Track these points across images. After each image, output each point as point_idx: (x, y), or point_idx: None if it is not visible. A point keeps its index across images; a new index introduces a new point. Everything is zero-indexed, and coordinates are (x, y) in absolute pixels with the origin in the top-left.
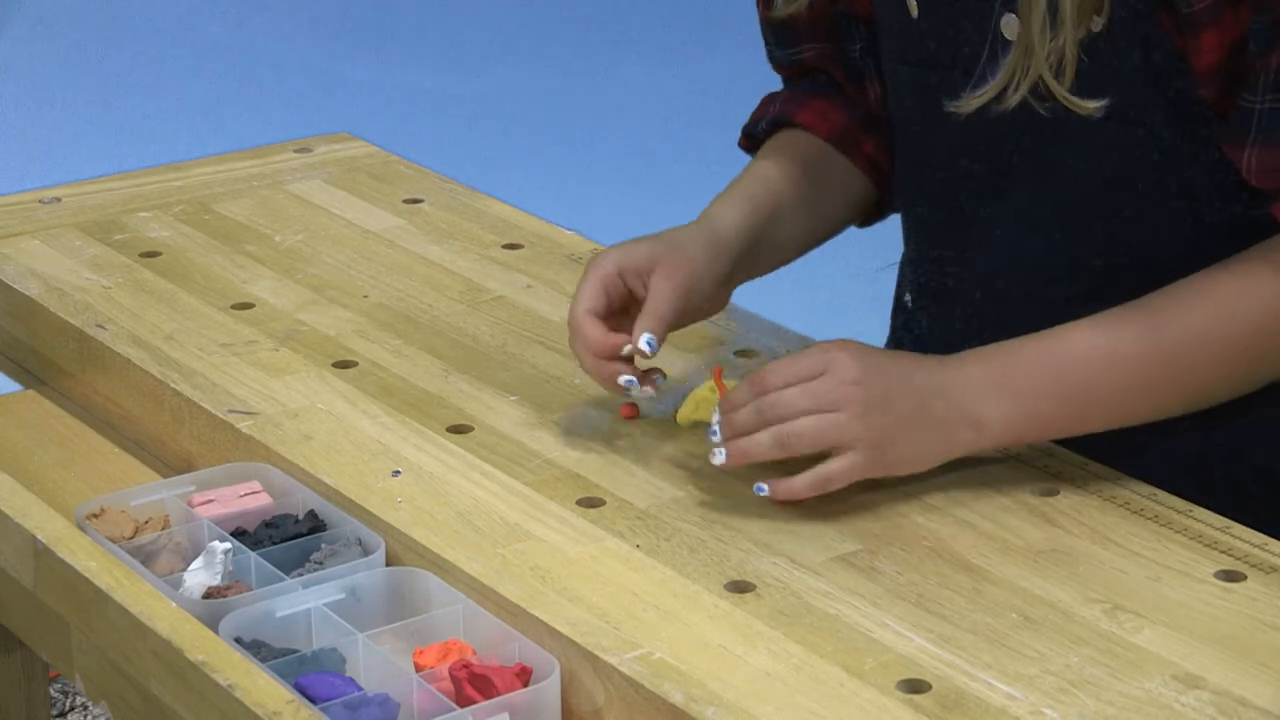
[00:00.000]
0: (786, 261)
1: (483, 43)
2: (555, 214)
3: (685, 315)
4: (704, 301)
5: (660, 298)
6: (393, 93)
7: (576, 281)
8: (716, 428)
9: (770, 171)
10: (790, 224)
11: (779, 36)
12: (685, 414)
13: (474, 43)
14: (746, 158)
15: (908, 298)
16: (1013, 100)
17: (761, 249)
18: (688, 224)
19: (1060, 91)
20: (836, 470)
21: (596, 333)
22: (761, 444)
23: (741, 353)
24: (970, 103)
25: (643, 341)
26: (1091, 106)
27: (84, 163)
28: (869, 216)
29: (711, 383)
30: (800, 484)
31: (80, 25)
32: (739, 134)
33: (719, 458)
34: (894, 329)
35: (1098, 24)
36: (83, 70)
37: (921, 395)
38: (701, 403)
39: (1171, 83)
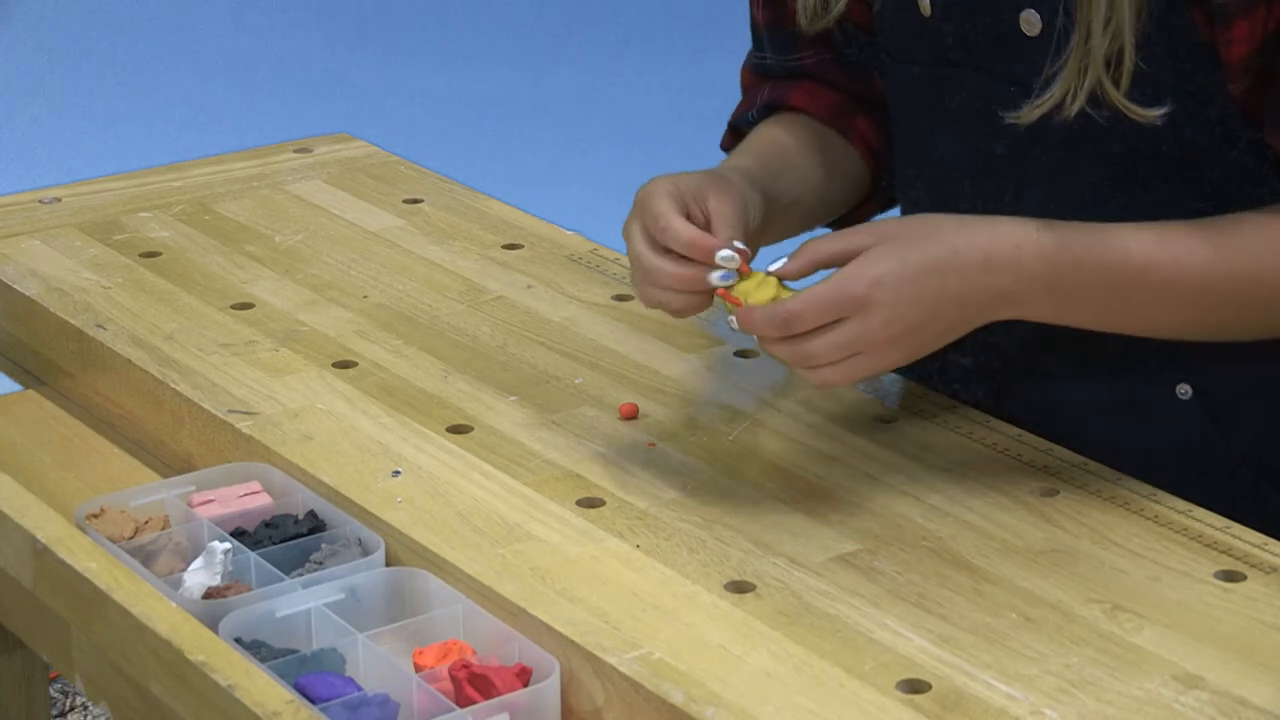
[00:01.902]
0: (792, 233)
1: (483, 43)
2: (555, 214)
3: (748, 241)
4: (753, 234)
5: (727, 216)
6: (393, 93)
7: (577, 281)
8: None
9: (770, 136)
10: (794, 188)
11: (776, 43)
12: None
13: (474, 43)
14: None
15: None
16: (1072, 109)
17: (772, 206)
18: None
19: (1117, 98)
20: (844, 380)
21: (691, 231)
22: (796, 371)
23: (741, 353)
24: (1031, 113)
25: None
26: (1152, 115)
27: (84, 163)
28: (863, 204)
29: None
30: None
31: (80, 25)
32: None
33: (735, 325)
34: None
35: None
36: (83, 70)
37: (962, 302)
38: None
39: (1197, 80)
